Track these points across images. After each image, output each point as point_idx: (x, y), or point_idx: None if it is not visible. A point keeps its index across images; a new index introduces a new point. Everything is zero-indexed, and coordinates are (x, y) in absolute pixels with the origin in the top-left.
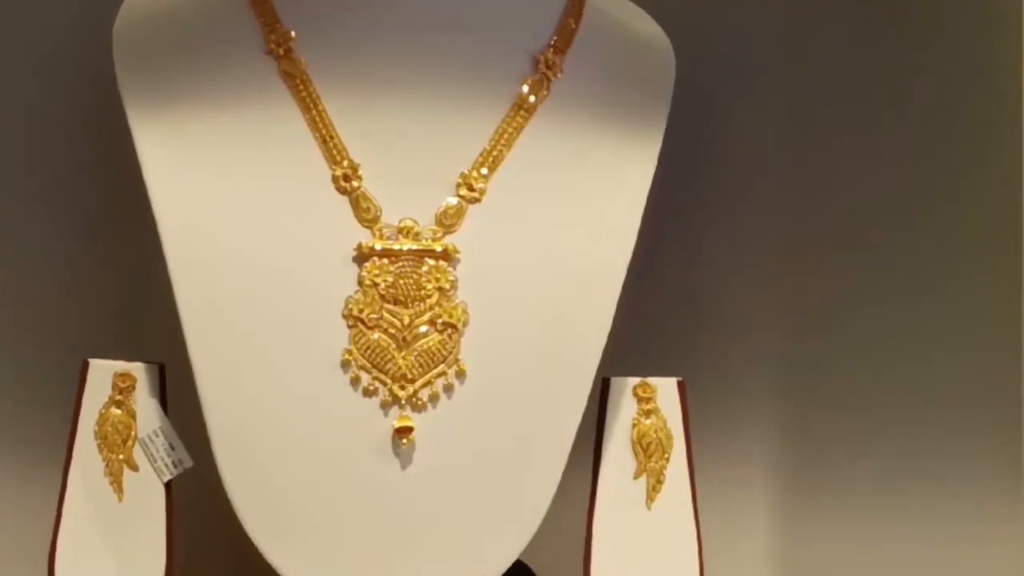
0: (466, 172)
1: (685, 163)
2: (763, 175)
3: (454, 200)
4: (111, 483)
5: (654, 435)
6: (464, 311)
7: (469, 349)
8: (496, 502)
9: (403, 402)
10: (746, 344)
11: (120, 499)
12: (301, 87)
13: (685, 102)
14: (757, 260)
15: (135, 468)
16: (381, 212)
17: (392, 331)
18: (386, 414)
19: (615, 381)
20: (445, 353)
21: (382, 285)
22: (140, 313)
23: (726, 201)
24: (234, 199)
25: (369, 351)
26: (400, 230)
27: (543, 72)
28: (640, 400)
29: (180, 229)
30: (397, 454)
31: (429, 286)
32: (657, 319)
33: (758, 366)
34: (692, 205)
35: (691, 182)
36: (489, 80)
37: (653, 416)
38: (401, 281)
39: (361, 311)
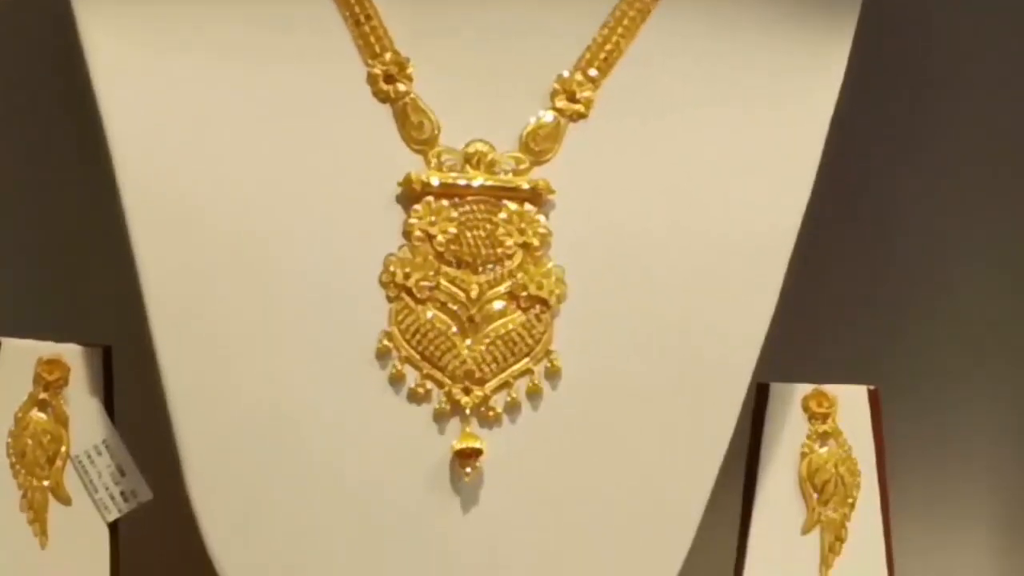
0: (566, 75)
1: (883, 87)
2: (992, 110)
3: (548, 115)
4: (30, 521)
5: (833, 470)
6: (560, 280)
7: (565, 337)
8: (605, 569)
9: (467, 413)
10: (963, 343)
11: (43, 545)
12: None
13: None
14: (979, 229)
15: (66, 501)
16: (440, 131)
17: (454, 307)
18: (442, 430)
19: (776, 388)
20: (532, 342)
21: (440, 238)
22: (79, 273)
23: (939, 142)
24: (222, 110)
25: (419, 336)
26: (468, 157)
27: None
28: (813, 417)
29: (141, 154)
30: (457, 489)
31: (509, 241)
32: (835, 305)
33: (980, 372)
34: (884, 145)
35: (888, 113)
36: None
37: (832, 441)
38: (469, 233)
39: (407, 277)
